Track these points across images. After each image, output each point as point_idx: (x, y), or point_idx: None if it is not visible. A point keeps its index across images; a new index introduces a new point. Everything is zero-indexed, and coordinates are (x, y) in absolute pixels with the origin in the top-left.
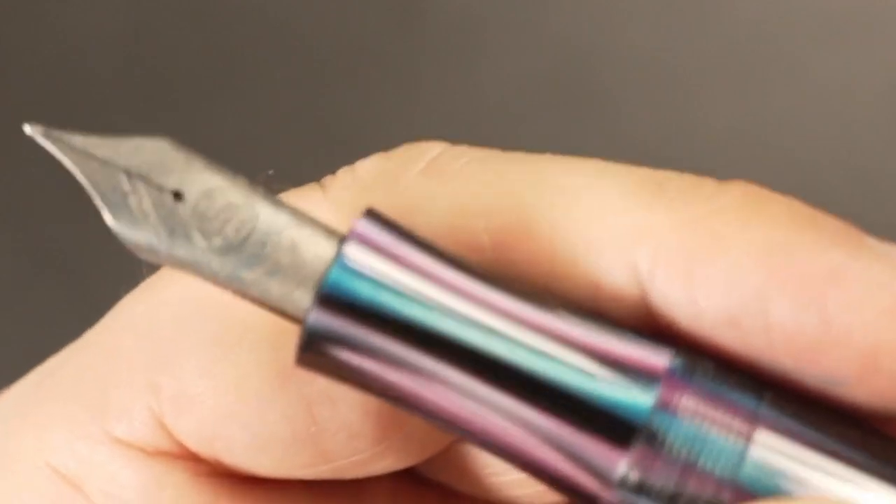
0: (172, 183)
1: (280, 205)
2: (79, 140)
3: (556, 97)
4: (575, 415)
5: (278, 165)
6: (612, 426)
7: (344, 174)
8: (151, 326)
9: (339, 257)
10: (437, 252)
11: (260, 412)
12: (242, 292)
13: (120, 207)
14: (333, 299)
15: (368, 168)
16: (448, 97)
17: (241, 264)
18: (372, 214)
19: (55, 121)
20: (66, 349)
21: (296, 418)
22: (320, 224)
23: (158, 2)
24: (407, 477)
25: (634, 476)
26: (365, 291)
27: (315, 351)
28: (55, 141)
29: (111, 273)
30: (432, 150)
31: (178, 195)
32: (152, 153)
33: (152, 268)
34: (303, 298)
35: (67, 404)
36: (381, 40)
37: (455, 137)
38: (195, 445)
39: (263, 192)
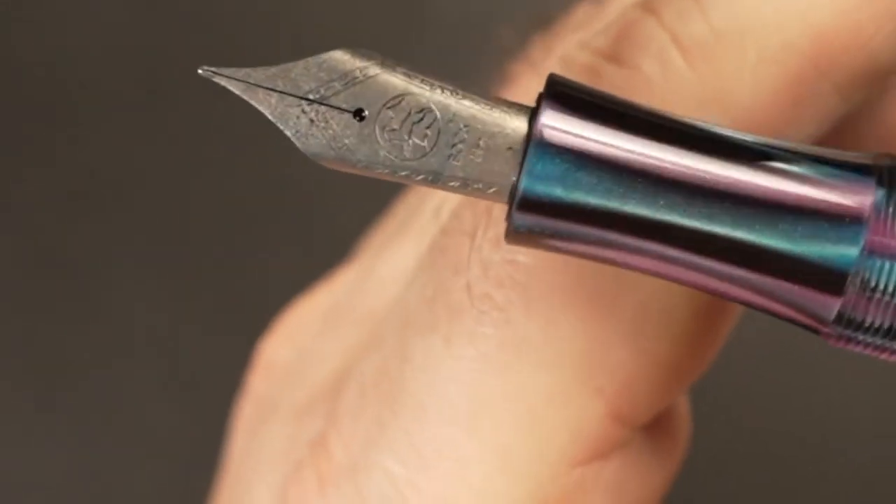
0: (351, 100)
1: (461, 95)
2: (253, 74)
3: None
4: (786, 273)
5: (278, 164)
6: (823, 278)
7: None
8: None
9: (528, 160)
10: (629, 116)
11: None
12: (440, 187)
13: (308, 135)
14: (530, 202)
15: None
16: None
17: (435, 166)
18: (556, 93)
19: (54, 118)
20: None
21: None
22: (507, 103)
23: (159, 2)
24: None
25: (850, 316)
26: (559, 191)
27: (523, 237)
28: (232, 80)
29: (111, 273)
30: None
31: (359, 113)
32: (326, 71)
33: None
34: (501, 189)
35: None
36: (381, 40)
37: None
38: None
39: (441, 86)
